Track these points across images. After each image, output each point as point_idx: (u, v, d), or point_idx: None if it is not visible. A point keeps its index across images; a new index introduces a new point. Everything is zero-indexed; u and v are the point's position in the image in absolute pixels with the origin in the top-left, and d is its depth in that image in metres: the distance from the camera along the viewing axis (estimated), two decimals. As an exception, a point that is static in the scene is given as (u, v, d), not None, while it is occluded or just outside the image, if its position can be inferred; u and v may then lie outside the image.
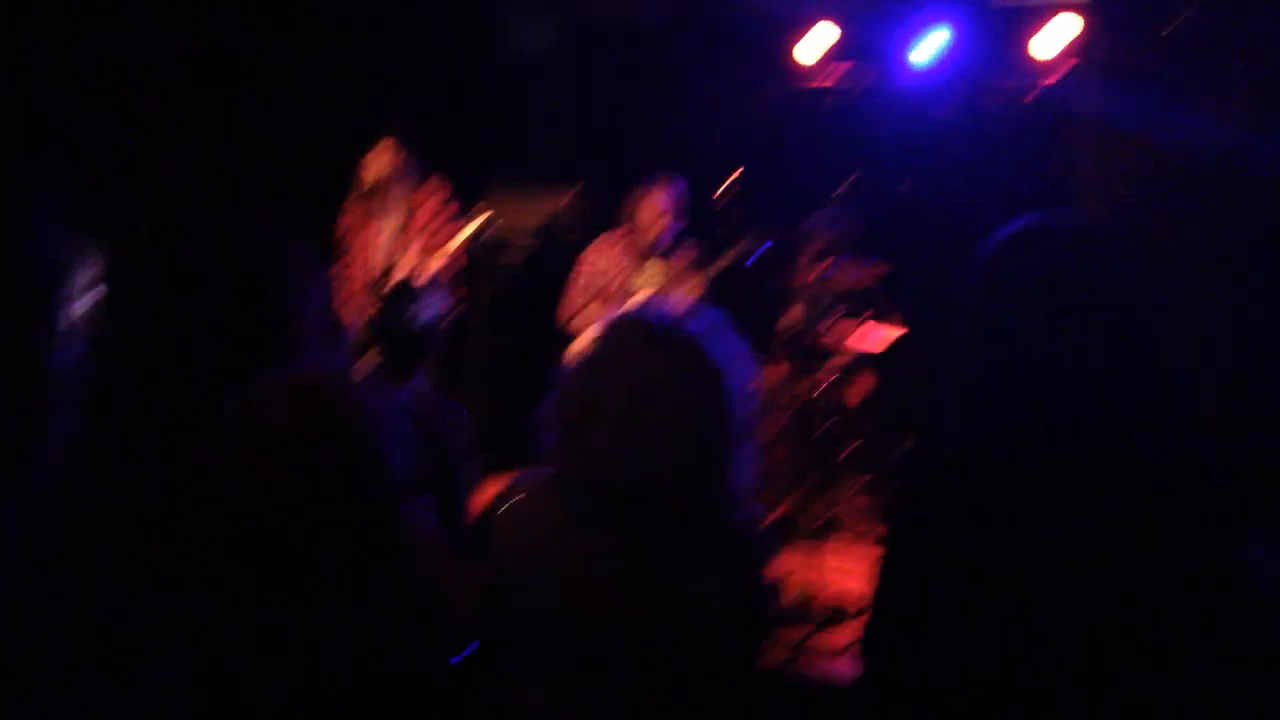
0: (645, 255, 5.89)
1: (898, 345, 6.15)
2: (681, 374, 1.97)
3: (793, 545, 5.58)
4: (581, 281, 5.94)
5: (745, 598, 2.02)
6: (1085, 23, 6.07)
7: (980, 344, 1.86)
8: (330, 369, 1.95)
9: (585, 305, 5.93)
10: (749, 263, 5.84)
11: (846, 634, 4.58)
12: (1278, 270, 4.85)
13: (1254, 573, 1.71)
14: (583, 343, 5.98)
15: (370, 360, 3.74)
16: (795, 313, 6.62)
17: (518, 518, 2.11)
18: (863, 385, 6.33)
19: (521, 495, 2.12)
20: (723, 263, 5.74)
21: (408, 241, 6.04)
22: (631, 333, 2.02)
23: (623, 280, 5.88)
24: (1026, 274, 1.84)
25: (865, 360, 6.40)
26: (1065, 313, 1.79)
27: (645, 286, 5.88)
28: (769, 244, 5.73)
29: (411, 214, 6.04)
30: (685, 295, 5.70)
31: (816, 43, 7.25)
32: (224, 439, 1.78)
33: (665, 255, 5.89)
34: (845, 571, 5.34)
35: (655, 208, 5.77)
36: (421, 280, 5.86)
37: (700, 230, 6.08)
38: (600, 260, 5.90)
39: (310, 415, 1.78)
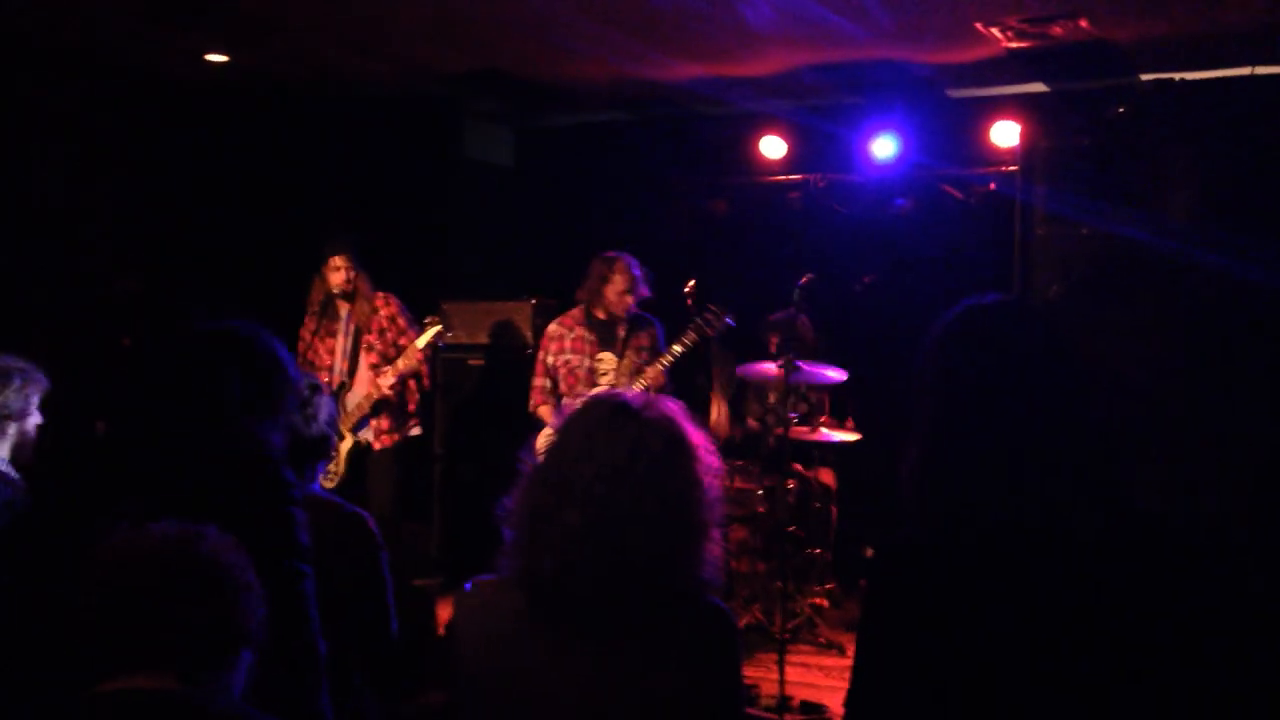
0: (606, 333, 5.81)
1: (857, 447, 6.04)
2: (657, 448, 1.93)
3: (756, 656, 5.42)
4: (544, 370, 5.87)
5: (720, 692, 1.94)
6: (1031, 118, 6.08)
7: (936, 423, 1.80)
8: (185, 526, 1.88)
9: (551, 390, 5.85)
10: (715, 337, 5.68)
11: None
12: (1220, 360, 4.82)
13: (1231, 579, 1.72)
14: (549, 428, 5.86)
15: None
16: (754, 415, 6.54)
17: (475, 622, 2.02)
18: (823, 490, 6.21)
19: (476, 599, 2.03)
20: (684, 343, 5.62)
21: (362, 354, 6.01)
22: (604, 411, 1.99)
23: (587, 363, 5.80)
24: (978, 350, 1.81)
25: (825, 464, 6.29)
26: (1018, 387, 1.75)
27: (609, 368, 5.78)
28: (731, 322, 5.62)
29: (366, 327, 6.01)
30: (648, 380, 5.60)
31: (778, 140, 7.29)
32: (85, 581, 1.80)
33: (625, 337, 5.80)
34: (810, 682, 5.21)
35: (617, 285, 5.70)
36: (330, 385, 5.84)
37: (664, 322, 6.01)
38: (563, 343, 5.83)
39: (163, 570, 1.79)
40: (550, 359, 5.84)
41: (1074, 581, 1.69)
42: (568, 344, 5.82)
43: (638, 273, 5.75)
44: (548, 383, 5.84)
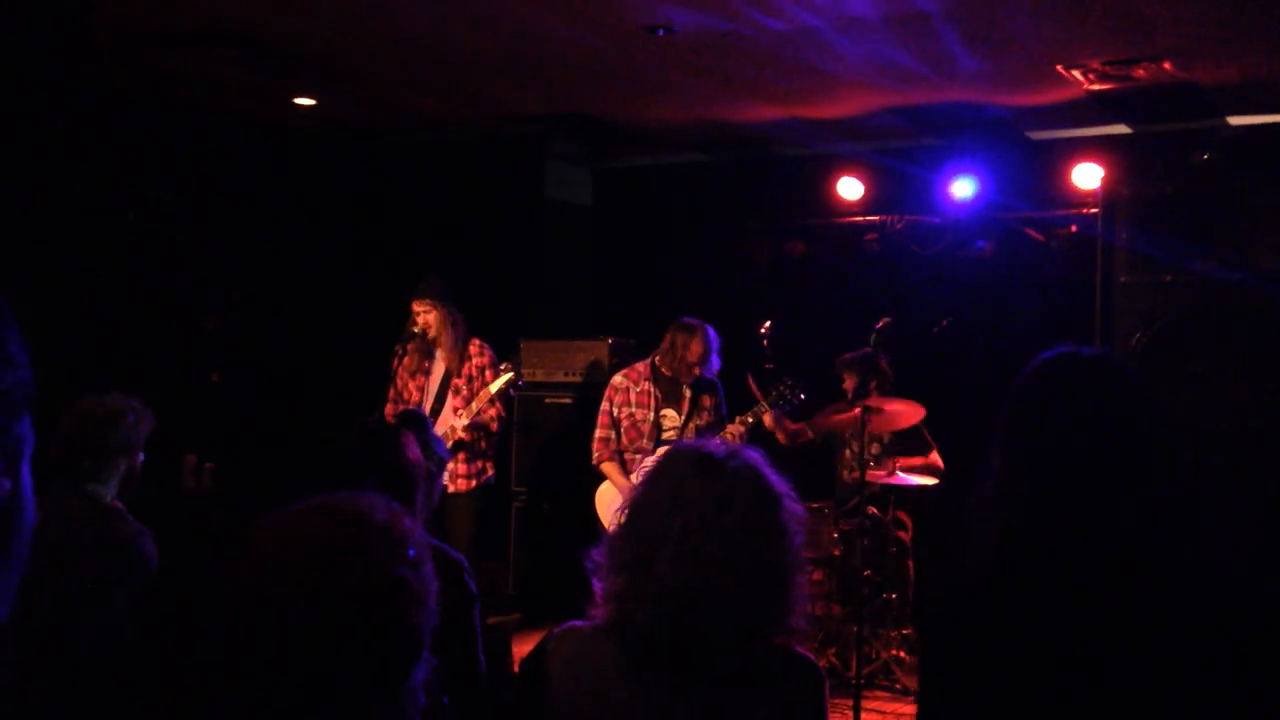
0: (671, 389, 5.87)
1: (936, 491, 5.99)
2: (744, 499, 1.95)
3: (831, 701, 5.38)
4: (608, 421, 5.91)
5: None
6: (1113, 161, 6.03)
7: (1011, 473, 1.80)
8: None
9: (615, 445, 5.89)
10: (785, 408, 5.84)
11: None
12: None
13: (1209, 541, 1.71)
14: (625, 481, 5.90)
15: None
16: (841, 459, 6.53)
17: (568, 669, 2.05)
18: (901, 535, 6.15)
19: (570, 645, 2.07)
20: (756, 413, 5.73)
21: (449, 395, 6.10)
22: (690, 462, 2.01)
23: (651, 416, 5.85)
24: (1056, 402, 1.81)
25: (904, 508, 6.24)
26: (1094, 441, 1.75)
27: (673, 425, 5.84)
28: (803, 396, 5.73)
29: (456, 372, 6.10)
30: (726, 436, 5.64)
31: (856, 181, 7.31)
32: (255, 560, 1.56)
33: (693, 396, 5.87)
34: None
35: (694, 352, 5.76)
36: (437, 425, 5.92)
37: (736, 370, 6.04)
38: (628, 395, 5.88)
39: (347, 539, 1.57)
40: (615, 411, 5.90)
41: (1137, 645, 1.69)
42: (633, 397, 5.88)
43: (714, 343, 5.82)
44: (611, 435, 5.89)
